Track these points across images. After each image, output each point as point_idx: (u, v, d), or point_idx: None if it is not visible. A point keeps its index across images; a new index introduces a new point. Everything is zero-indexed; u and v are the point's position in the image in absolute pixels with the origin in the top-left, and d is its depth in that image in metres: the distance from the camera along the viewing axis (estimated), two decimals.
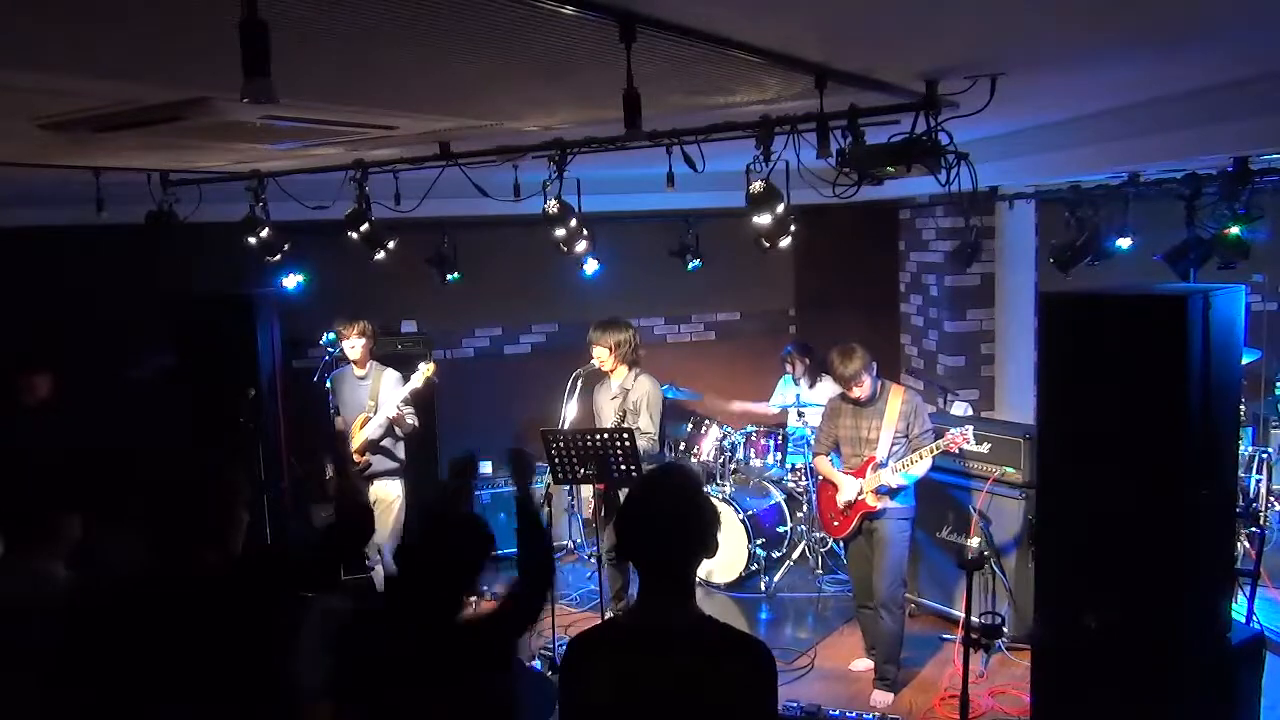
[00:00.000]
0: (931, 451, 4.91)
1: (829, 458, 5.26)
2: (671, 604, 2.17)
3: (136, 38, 2.38)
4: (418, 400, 5.86)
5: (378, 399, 5.72)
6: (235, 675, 2.55)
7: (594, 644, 2.28)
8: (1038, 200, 6.63)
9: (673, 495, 2.21)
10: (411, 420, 5.77)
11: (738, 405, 7.34)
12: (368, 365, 5.84)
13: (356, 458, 5.70)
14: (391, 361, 6.11)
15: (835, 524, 5.23)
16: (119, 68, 2.73)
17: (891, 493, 4.96)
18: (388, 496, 5.79)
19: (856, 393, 5.02)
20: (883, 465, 4.95)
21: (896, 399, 5.03)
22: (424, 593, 2.62)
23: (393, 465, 5.82)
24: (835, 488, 5.16)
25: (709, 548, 2.19)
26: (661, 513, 2.18)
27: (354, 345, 5.73)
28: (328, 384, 5.92)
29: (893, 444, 4.98)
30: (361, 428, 5.67)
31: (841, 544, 5.54)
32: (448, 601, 2.64)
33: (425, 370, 5.70)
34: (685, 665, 2.09)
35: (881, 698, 5.06)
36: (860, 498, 5.02)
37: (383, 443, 5.74)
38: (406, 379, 5.75)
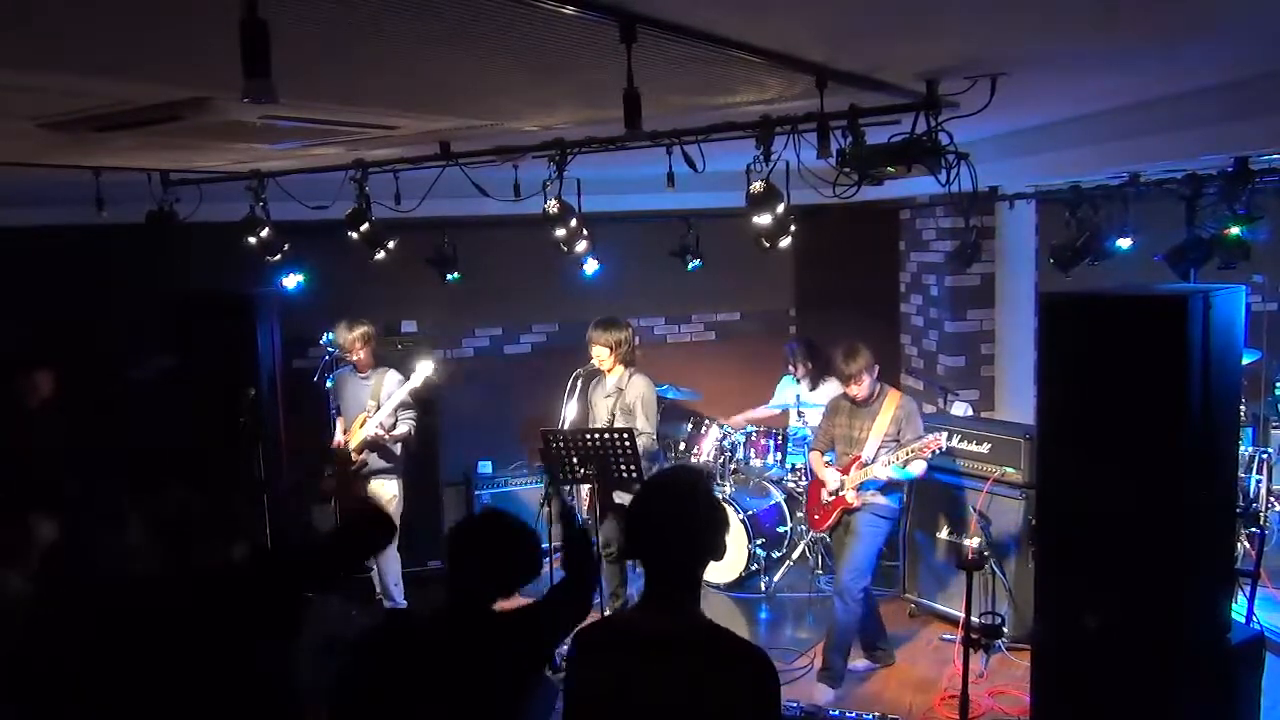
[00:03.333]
0: (918, 454, 4.90)
1: (825, 455, 5.32)
2: (675, 606, 2.16)
3: (136, 37, 2.38)
4: (418, 400, 5.87)
5: (379, 398, 5.74)
6: (232, 676, 2.55)
7: (596, 641, 2.28)
8: (1038, 200, 6.62)
9: (682, 496, 2.20)
10: (405, 427, 5.77)
11: (739, 418, 7.34)
12: (370, 368, 5.87)
13: (354, 455, 5.71)
14: (392, 362, 6.11)
15: (816, 516, 5.31)
16: (119, 68, 2.73)
17: (881, 489, 5.00)
18: (384, 495, 5.81)
19: (854, 390, 5.07)
20: (867, 465, 5.00)
21: (892, 403, 5.09)
22: (461, 593, 2.56)
23: (389, 464, 5.83)
24: (823, 482, 5.22)
25: (716, 550, 2.19)
26: (670, 513, 2.17)
27: (358, 354, 5.78)
28: (329, 383, 5.92)
29: (880, 447, 5.03)
30: (361, 426, 5.68)
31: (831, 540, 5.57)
32: (481, 603, 2.57)
33: (424, 370, 5.71)
34: (683, 669, 2.08)
35: (822, 693, 5.00)
36: (841, 493, 5.07)
37: (380, 441, 5.75)
38: (408, 379, 5.76)
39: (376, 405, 5.71)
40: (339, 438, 5.82)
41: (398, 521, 5.78)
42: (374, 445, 5.74)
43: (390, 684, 2.47)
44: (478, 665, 2.46)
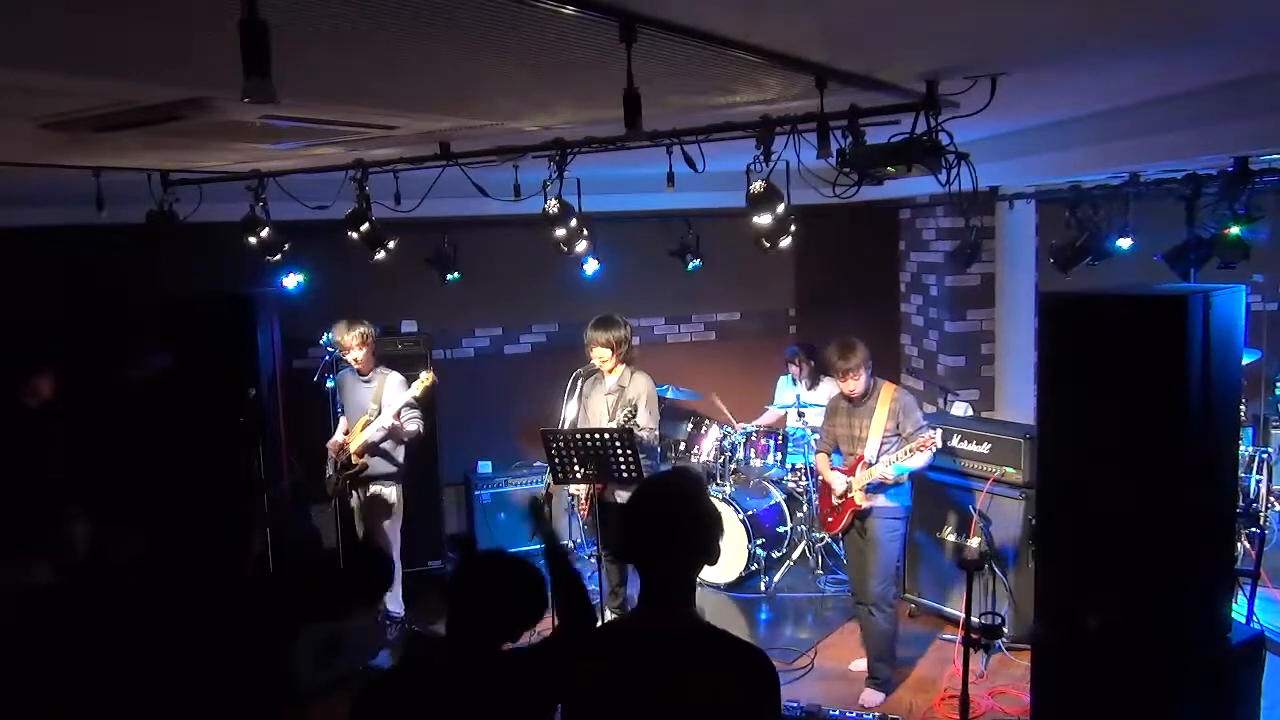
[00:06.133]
0: (917, 450, 4.87)
1: (829, 456, 5.30)
2: (671, 609, 2.15)
3: (137, 38, 2.38)
4: (419, 403, 5.84)
5: (380, 402, 5.70)
6: (230, 674, 2.55)
7: (594, 645, 2.28)
8: (1038, 200, 6.63)
9: (678, 500, 2.19)
10: (415, 425, 5.75)
11: (742, 426, 7.32)
12: (372, 370, 5.82)
13: (354, 459, 5.68)
14: (392, 362, 6.09)
15: (829, 520, 5.28)
16: (119, 68, 2.73)
17: (881, 488, 4.98)
18: (384, 501, 5.77)
19: (850, 385, 5.04)
20: (872, 464, 4.97)
21: (887, 398, 5.05)
22: (465, 634, 2.46)
23: (390, 470, 5.79)
24: (830, 486, 5.19)
25: (711, 555, 2.18)
26: (665, 517, 2.16)
27: (356, 356, 5.71)
28: (330, 384, 5.91)
29: (883, 443, 5.00)
30: (362, 429, 5.66)
31: (841, 542, 5.55)
32: (487, 645, 2.46)
33: (424, 380, 5.65)
34: (683, 672, 2.08)
35: (872, 697, 5.07)
36: (849, 495, 5.04)
37: (382, 445, 5.72)
38: (410, 381, 5.72)
39: (378, 409, 5.68)
40: (338, 437, 5.80)
41: (398, 528, 5.81)
42: (375, 449, 5.71)
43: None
44: (484, 712, 2.38)
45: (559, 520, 6.93)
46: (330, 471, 5.80)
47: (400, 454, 5.83)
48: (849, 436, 5.15)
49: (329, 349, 5.84)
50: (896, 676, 5.25)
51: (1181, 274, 5.13)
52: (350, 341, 5.68)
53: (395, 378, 5.80)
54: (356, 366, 5.77)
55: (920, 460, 4.92)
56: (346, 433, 5.78)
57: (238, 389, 5.80)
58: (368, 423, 5.65)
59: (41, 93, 2.98)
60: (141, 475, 5.51)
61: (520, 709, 2.40)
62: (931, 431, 4.91)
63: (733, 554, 6.41)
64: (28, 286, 6.33)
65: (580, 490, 5.49)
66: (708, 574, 6.49)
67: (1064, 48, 3.11)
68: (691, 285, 7.36)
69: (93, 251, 6.37)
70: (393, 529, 5.79)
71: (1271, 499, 6.03)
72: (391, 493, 5.80)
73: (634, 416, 5.19)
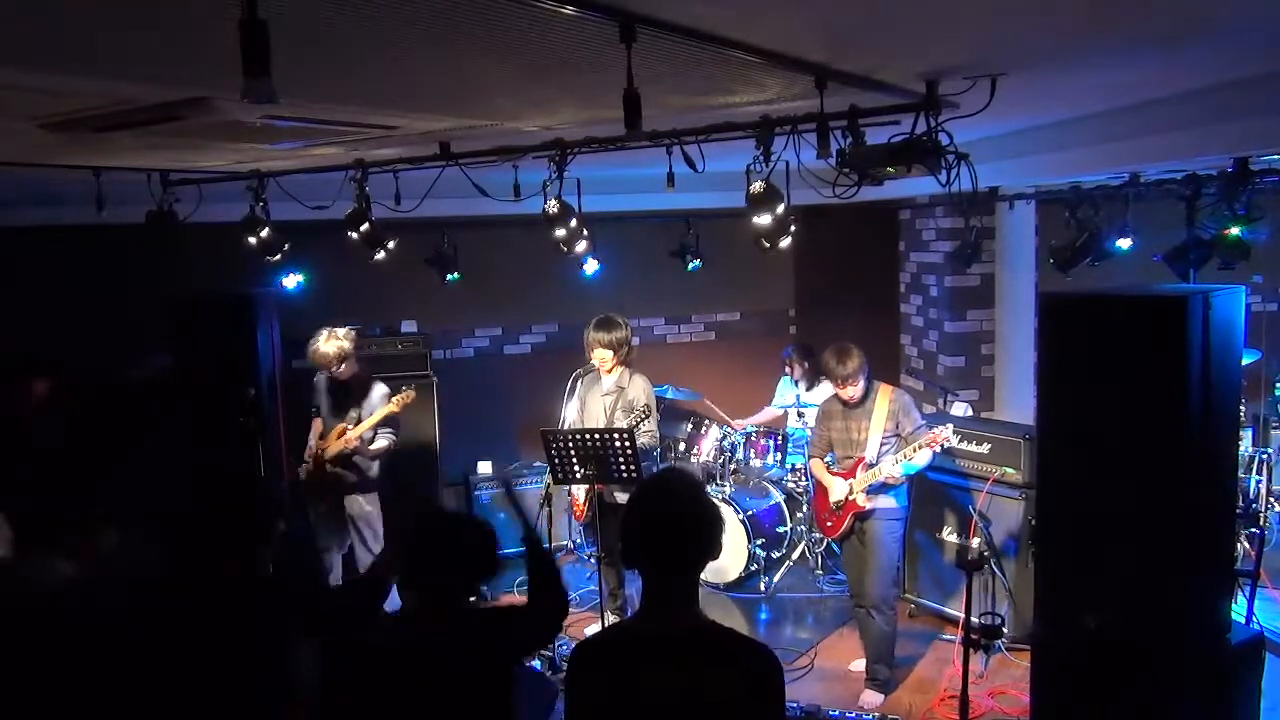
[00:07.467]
0: (926, 445, 4.86)
1: (824, 460, 5.28)
2: (676, 610, 2.15)
3: (137, 38, 2.38)
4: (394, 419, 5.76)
5: (361, 411, 5.62)
6: (231, 677, 2.55)
7: (599, 650, 2.27)
8: (1038, 200, 6.63)
9: (674, 500, 2.18)
10: (384, 443, 5.65)
11: (740, 424, 7.33)
12: (353, 378, 5.70)
13: (328, 467, 5.62)
14: (392, 362, 6.07)
15: (829, 524, 5.26)
16: (119, 68, 2.73)
17: (884, 489, 4.97)
18: (360, 510, 5.71)
19: (849, 391, 5.03)
20: (873, 465, 4.96)
21: (884, 400, 5.05)
22: (425, 592, 2.65)
23: (364, 479, 5.69)
24: (827, 489, 5.18)
25: (713, 551, 2.18)
26: (663, 518, 2.15)
27: (339, 369, 5.59)
28: (317, 379, 5.85)
29: (882, 444, 5.00)
30: (338, 437, 5.59)
31: (838, 544, 5.55)
32: (448, 601, 2.65)
33: (401, 397, 5.57)
34: (690, 672, 2.08)
35: (871, 698, 5.07)
36: (850, 498, 5.03)
37: (354, 458, 5.64)
38: (396, 391, 5.65)
39: (358, 417, 5.59)
40: (312, 443, 5.72)
41: (380, 533, 5.67)
42: (346, 461, 5.63)
43: (367, 683, 2.51)
44: (454, 661, 2.53)
45: (558, 520, 6.92)
46: (303, 475, 5.75)
47: (375, 468, 5.73)
48: (845, 440, 5.14)
49: None
50: (896, 677, 5.25)
51: (1181, 274, 5.13)
52: (330, 361, 5.53)
53: (380, 388, 5.69)
54: (339, 379, 5.66)
55: (925, 457, 4.92)
56: (322, 436, 5.71)
57: (238, 389, 5.79)
58: (343, 430, 5.57)
59: (41, 93, 2.98)
60: (141, 476, 5.50)
61: (477, 667, 2.54)
62: (943, 428, 4.90)
63: (732, 554, 6.41)
64: (28, 286, 6.33)
65: (579, 491, 5.48)
66: (707, 574, 6.51)
67: (1064, 48, 3.11)
68: (691, 285, 7.37)
69: (93, 251, 6.37)
70: (374, 536, 5.71)
71: (1271, 499, 6.02)
72: (365, 501, 5.70)
73: (645, 419, 5.18)
